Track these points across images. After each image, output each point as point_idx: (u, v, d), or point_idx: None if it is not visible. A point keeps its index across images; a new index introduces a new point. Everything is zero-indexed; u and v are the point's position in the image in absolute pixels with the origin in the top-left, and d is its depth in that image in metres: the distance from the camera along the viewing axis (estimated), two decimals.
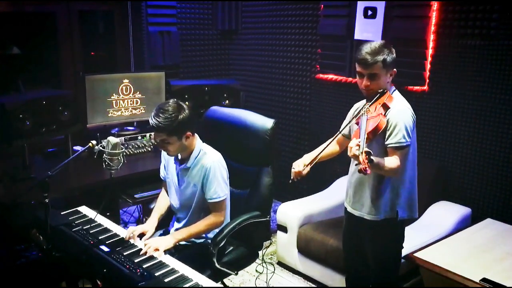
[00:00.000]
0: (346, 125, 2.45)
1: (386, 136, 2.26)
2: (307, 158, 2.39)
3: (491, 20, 3.13)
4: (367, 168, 1.97)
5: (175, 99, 2.45)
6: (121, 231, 2.44)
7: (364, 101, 2.40)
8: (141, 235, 2.42)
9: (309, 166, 2.29)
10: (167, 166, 2.65)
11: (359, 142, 2.05)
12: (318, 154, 2.33)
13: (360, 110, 2.31)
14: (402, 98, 2.39)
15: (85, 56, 4.44)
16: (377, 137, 2.26)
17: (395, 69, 2.34)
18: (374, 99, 2.29)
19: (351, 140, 2.11)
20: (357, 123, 2.30)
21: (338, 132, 2.39)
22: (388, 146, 2.26)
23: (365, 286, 2.62)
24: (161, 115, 2.32)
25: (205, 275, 2.13)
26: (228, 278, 2.87)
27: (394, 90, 2.39)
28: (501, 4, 3.08)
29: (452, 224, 3.18)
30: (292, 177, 2.33)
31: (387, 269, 2.52)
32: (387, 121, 2.25)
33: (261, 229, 2.73)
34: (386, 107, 2.26)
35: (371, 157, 2.03)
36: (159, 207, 2.66)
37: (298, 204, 3.62)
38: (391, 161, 2.23)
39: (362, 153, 1.99)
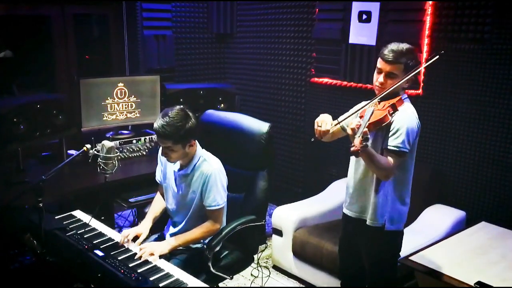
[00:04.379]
0: (349, 116, 2.33)
1: (388, 138, 2.21)
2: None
3: (484, 24, 3.15)
4: (359, 151, 1.97)
5: (182, 106, 2.40)
6: (115, 235, 2.43)
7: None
8: (135, 238, 2.42)
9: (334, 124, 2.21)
10: (165, 170, 2.64)
11: (360, 123, 2.04)
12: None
13: (367, 103, 2.25)
14: (412, 106, 2.32)
15: (79, 60, 4.43)
16: (379, 137, 2.26)
17: (413, 77, 2.28)
18: (384, 98, 2.24)
19: (352, 121, 2.10)
20: (361, 117, 2.21)
21: (337, 121, 2.27)
22: (386, 147, 2.21)
23: None
24: (168, 122, 2.29)
25: (200, 280, 2.12)
26: (223, 282, 2.86)
27: (406, 98, 2.34)
28: (494, 8, 3.10)
29: (446, 227, 3.19)
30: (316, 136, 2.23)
31: (381, 276, 2.48)
32: (392, 123, 2.21)
33: (257, 233, 2.72)
34: (394, 108, 2.21)
35: (367, 143, 2.01)
36: (154, 210, 2.65)
37: (293, 207, 3.62)
38: (384, 160, 2.19)
39: (359, 136, 1.97)
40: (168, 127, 2.29)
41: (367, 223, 2.37)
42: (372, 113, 2.14)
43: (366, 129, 2.02)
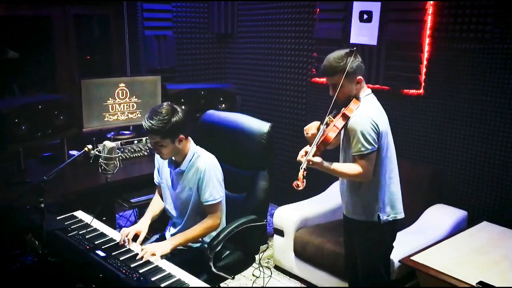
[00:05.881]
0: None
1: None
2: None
3: (485, 24, 3.15)
4: (299, 184, 2.15)
5: (169, 102, 2.44)
6: (117, 236, 2.43)
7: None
8: (135, 237, 2.42)
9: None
10: (161, 170, 2.64)
11: (307, 150, 2.22)
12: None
13: (326, 119, 2.34)
14: (371, 103, 2.37)
15: (80, 60, 4.43)
16: (346, 144, 2.36)
17: (360, 77, 2.34)
18: (341, 106, 2.33)
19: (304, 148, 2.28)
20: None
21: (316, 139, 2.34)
22: (352, 155, 2.32)
23: None
24: (154, 117, 2.32)
25: (201, 280, 2.12)
26: (224, 282, 2.86)
27: (368, 95, 2.39)
28: (495, 8, 3.10)
29: (448, 227, 3.18)
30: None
31: (374, 271, 2.52)
32: (349, 131, 2.30)
33: (258, 233, 2.72)
34: (346, 117, 2.29)
35: (325, 165, 2.23)
36: (152, 209, 2.66)
37: (294, 207, 3.62)
38: (351, 168, 2.30)
39: (302, 168, 2.15)
40: (155, 122, 2.31)
41: (350, 216, 2.51)
42: (323, 133, 2.27)
43: (311, 157, 2.21)
